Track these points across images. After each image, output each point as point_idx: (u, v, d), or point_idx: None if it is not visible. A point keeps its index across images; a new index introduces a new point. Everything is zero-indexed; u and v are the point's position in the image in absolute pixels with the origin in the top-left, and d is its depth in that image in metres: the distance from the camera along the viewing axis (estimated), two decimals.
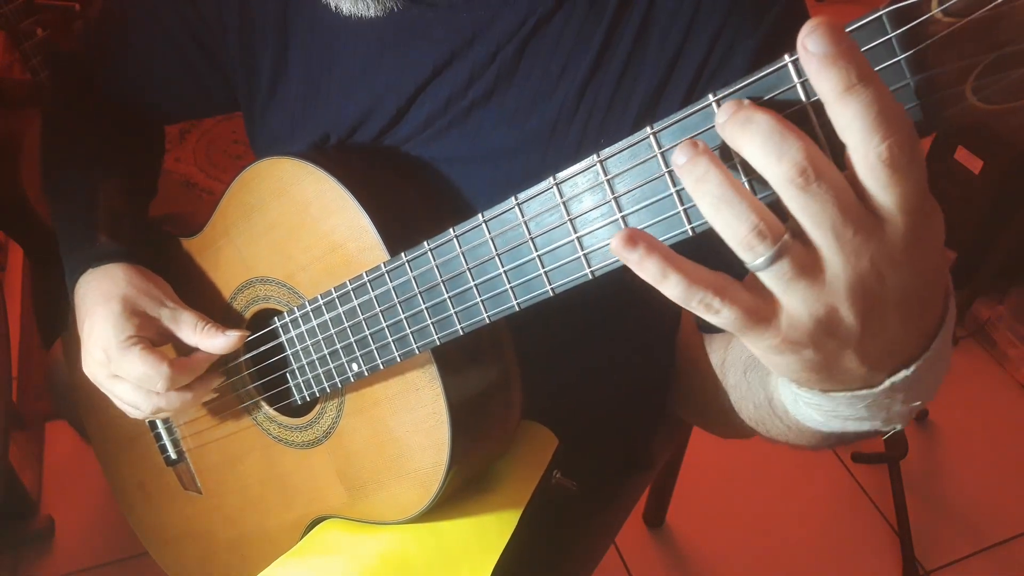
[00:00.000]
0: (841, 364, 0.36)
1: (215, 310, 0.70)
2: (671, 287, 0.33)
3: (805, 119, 0.32)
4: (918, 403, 0.39)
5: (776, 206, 0.32)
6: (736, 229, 0.32)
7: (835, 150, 0.32)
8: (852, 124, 0.30)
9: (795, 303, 0.33)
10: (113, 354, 0.62)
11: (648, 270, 0.33)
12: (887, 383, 0.37)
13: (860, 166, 0.30)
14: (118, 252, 0.66)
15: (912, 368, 0.37)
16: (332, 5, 0.57)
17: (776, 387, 0.47)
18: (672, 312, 0.81)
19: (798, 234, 0.32)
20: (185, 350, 0.65)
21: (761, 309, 0.34)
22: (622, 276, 0.40)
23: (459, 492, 0.65)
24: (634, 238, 0.33)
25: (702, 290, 0.33)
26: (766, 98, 0.33)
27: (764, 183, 0.32)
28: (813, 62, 0.29)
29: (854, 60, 0.29)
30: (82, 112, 0.77)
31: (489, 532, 0.64)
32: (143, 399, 0.63)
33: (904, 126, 0.30)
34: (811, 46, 0.29)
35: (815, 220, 0.31)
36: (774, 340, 0.34)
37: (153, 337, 0.64)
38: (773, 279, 0.33)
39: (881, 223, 0.32)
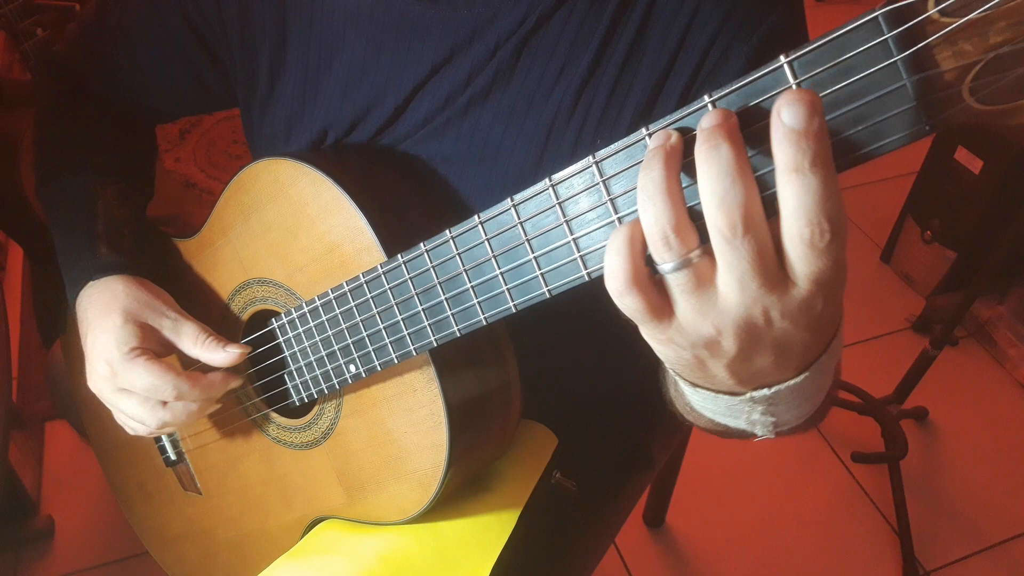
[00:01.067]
0: (709, 371, 0.40)
1: (213, 311, 0.69)
2: (607, 256, 0.36)
3: None
4: (775, 419, 0.43)
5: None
6: (651, 228, 0.34)
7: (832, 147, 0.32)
8: (789, 199, 0.31)
9: (686, 312, 0.36)
10: (118, 367, 0.61)
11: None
12: (747, 395, 0.41)
13: (785, 235, 0.32)
14: (118, 264, 0.66)
15: (771, 391, 0.41)
16: None
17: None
18: None
19: (710, 255, 0.34)
20: (189, 362, 0.65)
21: (659, 307, 0.36)
22: None
23: (458, 492, 0.65)
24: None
25: (618, 278, 0.35)
26: (761, 99, 0.33)
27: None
28: (779, 131, 0.31)
29: (817, 144, 0.30)
30: (76, 116, 0.76)
31: (488, 532, 0.64)
32: (149, 412, 0.62)
33: (833, 215, 0.31)
34: (785, 118, 0.30)
35: (727, 264, 0.34)
36: (661, 336, 0.37)
37: (156, 348, 0.63)
38: (672, 283, 0.35)
39: (787, 283, 0.34)
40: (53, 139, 0.76)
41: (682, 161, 0.34)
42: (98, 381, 0.64)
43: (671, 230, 0.34)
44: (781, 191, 0.32)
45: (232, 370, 0.65)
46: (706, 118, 0.33)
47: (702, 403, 0.45)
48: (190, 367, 0.67)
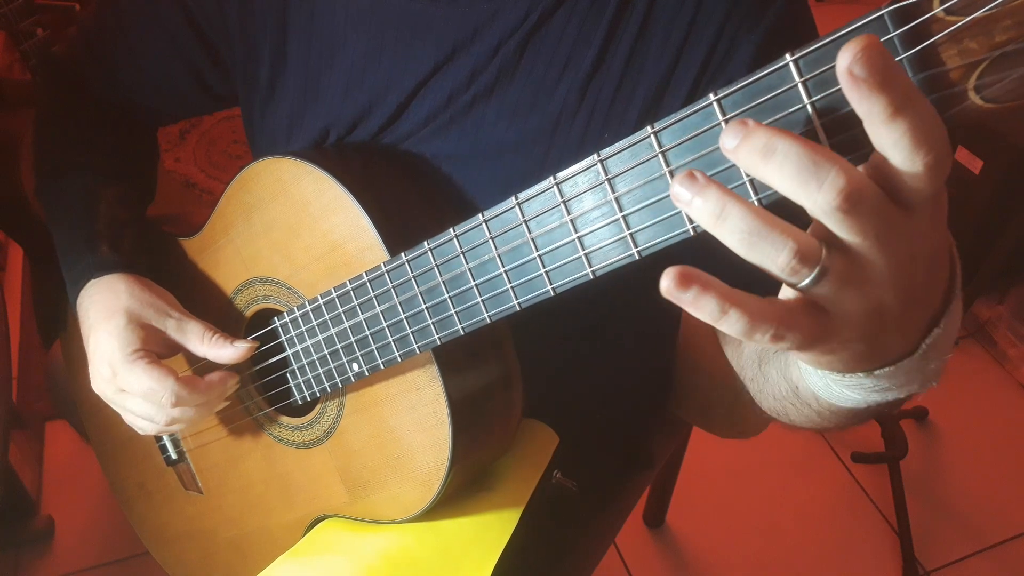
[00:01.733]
0: (886, 346, 0.37)
1: (215, 310, 0.69)
2: (730, 324, 0.32)
3: (807, 119, 0.32)
4: (948, 354, 0.40)
5: (781, 203, 0.32)
6: (775, 259, 0.31)
7: (839, 144, 0.32)
8: (899, 143, 0.29)
9: (846, 307, 0.33)
10: (118, 368, 0.61)
11: (704, 309, 0.31)
12: (923, 346, 0.38)
13: (904, 174, 0.30)
14: (119, 263, 0.65)
15: (941, 325, 0.38)
16: None
17: (801, 376, 0.46)
18: (672, 312, 0.81)
19: (835, 244, 0.32)
20: (195, 360, 0.65)
21: (819, 326, 0.33)
22: (623, 276, 0.40)
23: (460, 491, 0.65)
24: (687, 278, 0.31)
25: (764, 323, 0.32)
26: (767, 97, 0.33)
27: (762, 184, 0.32)
28: (862, 88, 0.28)
29: (902, 81, 0.28)
30: (77, 117, 0.76)
31: (490, 531, 0.64)
32: (153, 412, 0.62)
33: (942, 135, 0.30)
34: (858, 71, 0.28)
35: (859, 234, 0.31)
36: (830, 346, 0.34)
37: (160, 350, 0.63)
38: (822, 293, 0.33)
39: (911, 213, 0.32)
40: (54, 140, 0.76)
41: (714, 176, 0.33)
42: (100, 382, 0.64)
43: (795, 244, 0.31)
44: (883, 141, 0.30)
45: (233, 369, 0.65)
46: (728, 136, 0.31)
47: (875, 385, 0.40)
48: (197, 365, 0.67)
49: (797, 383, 0.48)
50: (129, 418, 0.65)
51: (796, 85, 0.32)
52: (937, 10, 0.29)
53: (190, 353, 0.64)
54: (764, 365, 0.54)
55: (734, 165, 0.34)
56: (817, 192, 0.30)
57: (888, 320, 0.35)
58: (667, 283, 0.31)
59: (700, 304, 0.31)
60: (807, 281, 0.32)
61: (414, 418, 0.59)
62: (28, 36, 1.29)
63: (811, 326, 0.33)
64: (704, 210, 0.31)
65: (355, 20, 0.60)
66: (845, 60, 0.28)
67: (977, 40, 0.29)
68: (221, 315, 0.69)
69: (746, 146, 0.30)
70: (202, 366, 0.67)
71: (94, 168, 0.73)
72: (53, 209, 0.72)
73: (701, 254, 0.35)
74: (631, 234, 0.38)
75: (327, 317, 0.57)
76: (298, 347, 0.61)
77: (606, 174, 0.38)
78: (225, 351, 0.61)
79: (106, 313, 0.62)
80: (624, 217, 0.38)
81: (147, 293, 0.64)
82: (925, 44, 0.30)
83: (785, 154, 0.30)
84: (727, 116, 0.34)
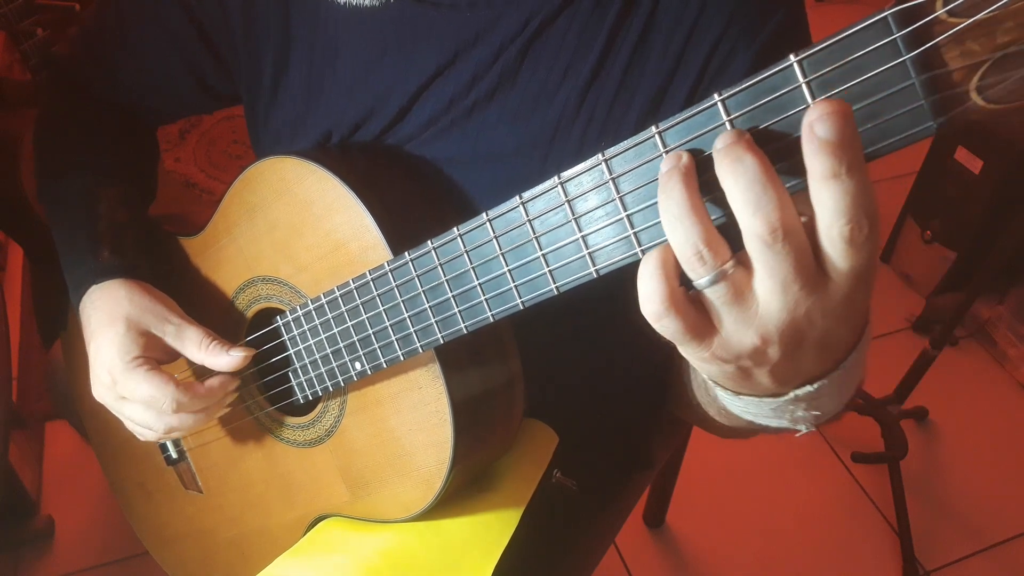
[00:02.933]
0: (754, 379, 0.40)
1: (216, 309, 0.70)
2: (640, 281, 0.36)
3: None
4: (819, 412, 0.43)
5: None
6: (683, 248, 0.34)
7: None
8: (827, 203, 0.32)
9: (729, 324, 0.36)
10: (118, 376, 0.61)
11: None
12: (791, 395, 0.42)
13: (824, 236, 0.33)
14: (120, 268, 0.65)
15: (815, 386, 0.41)
16: None
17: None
18: None
19: (744, 264, 0.35)
20: (195, 366, 0.65)
21: (700, 326, 0.36)
22: (625, 275, 0.40)
23: (461, 490, 0.65)
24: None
25: (659, 293, 0.35)
26: (771, 98, 0.33)
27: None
28: (814, 144, 0.31)
29: (853, 151, 0.31)
30: (77, 118, 0.76)
31: (491, 530, 0.64)
32: (154, 418, 0.62)
33: (870, 211, 0.32)
34: (819, 131, 0.31)
35: (769, 270, 0.34)
36: (704, 353, 0.37)
37: (160, 356, 0.63)
38: (711, 297, 0.36)
39: (827, 281, 0.34)
40: (54, 141, 0.76)
41: (698, 179, 0.35)
42: (101, 389, 0.64)
43: (703, 244, 0.34)
44: (817, 196, 0.32)
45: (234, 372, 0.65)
46: (720, 139, 0.33)
47: (744, 408, 0.45)
48: (196, 370, 0.67)
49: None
50: (130, 425, 0.66)
51: (800, 86, 0.32)
52: (940, 12, 0.29)
53: (189, 359, 0.64)
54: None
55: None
56: (752, 215, 0.32)
57: (763, 363, 0.38)
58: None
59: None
60: (703, 280, 0.35)
61: (416, 417, 0.59)
62: (28, 36, 1.29)
63: (690, 322, 0.36)
64: (662, 185, 0.35)
65: (357, 23, 0.61)
66: (812, 115, 0.31)
67: (979, 42, 0.29)
68: (223, 314, 0.69)
69: (726, 151, 0.33)
70: (202, 371, 0.67)
71: (95, 169, 0.73)
72: (54, 210, 0.72)
73: None
74: (635, 233, 0.38)
75: (330, 316, 0.57)
76: (300, 346, 0.62)
77: (610, 173, 0.38)
78: (221, 359, 0.62)
79: (107, 320, 0.63)
80: (628, 216, 0.38)
81: (147, 299, 0.64)
82: (928, 45, 0.30)
83: (744, 167, 0.32)
84: (731, 116, 0.34)
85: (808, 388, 0.41)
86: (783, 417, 0.44)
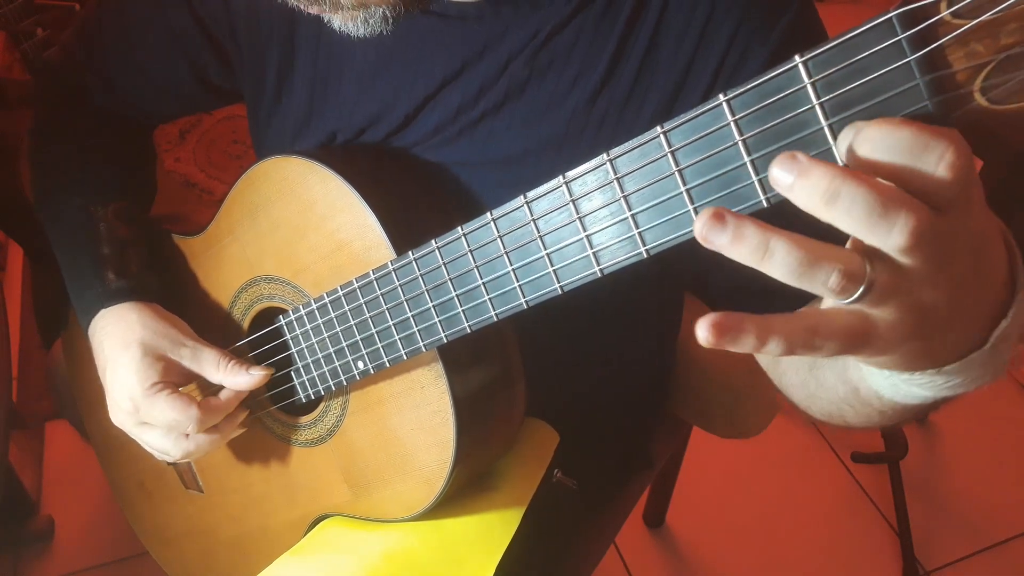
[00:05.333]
0: (946, 341, 0.36)
1: (218, 309, 0.70)
2: (773, 348, 0.32)
3: (814, 120, 0.33)
4: (1017, 345, 0.39)
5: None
6: (825, 283, 0.31)
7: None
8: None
9: (887, 312, 0.33)
10: (140, 403, 0.61)
11: (744, 344, 0.31)
12: (992, 338, 0.37)
13: (932, 179, 0.30)
14: (128, 290, 0.65)
15: (1009, 316, 0.37)
16: (326, 19, 0.56)
17: (863, 377, 0.45)
18: (674, 312, 0.81)
19: (877, 257, 0.32)
20: (209, 386, 0.65)
21: (858, 328, 0.33)
22: (628, 275, 0.40)
23: (463, 489, 0.65)
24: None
25: (800, 337, 0.32)
26: (776, 98, 0.33)
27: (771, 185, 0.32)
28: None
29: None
30: (74, 130, 0.75)
31: (492, 530, 0.64)
32: (172, 444, 0.63)
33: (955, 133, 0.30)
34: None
35: (913, 257, 0.31)
36: (876, 347, 0.34)
37: (177, 380, 0.63)
38: (866, 306, 0.33)
39: (945, 214, 0.31)
40: (51, 156, 0.75)
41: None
42: (121, 415, 0.64)
43: (843, 267, 0.31)
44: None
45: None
46: (783, 174, 0.31)
47: (945, 383, 0.40)
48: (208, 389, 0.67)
49: (858, 384, 0.47)
50: (149, 450, 0.66)
51: (805, 86, 0.32)
52: (945, 13, 0.29)
53: (205, 380, 0.64)
54: (817, 370, 0.53)
55: (743, 165, 0.34)
56: (887, 236, 0.30)
57: (938, 317, 0.34)
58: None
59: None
60: (854, 297, 0.31)
61: (418, 417, 0.59)
62: (28, 36, 1.28)
63: (847, 332, 0.33)
64: (745, 251, 0.31)
65: None
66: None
67: (983, 43, 0.29)
68: (224, 314, 0.69)
69: (804, 185, 0.30)
70: (208, 389, 0.67)
71: (93, 186, 0.72)
72: (53, 229, 0.71)
73: (706, 253, 0.35)
74: (639, 233, 0.38)
75: (332, 315, 0.57)
76: (303, 345, 0.62)
77: (615, 173, 0.38)
78: (240, 378, 0.62)
79: (121, 345, 0.63)
80: (633, 216, 0.38)
81: (160, 322, 0.64)
82: (933, 46, 0.30)
83: (852, 199, 0.29)
84: (736, 117, 0.34)
85: (1004, 323, 0.37)
86: (989, 371, 0.39)
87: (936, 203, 0.31)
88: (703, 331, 0.31)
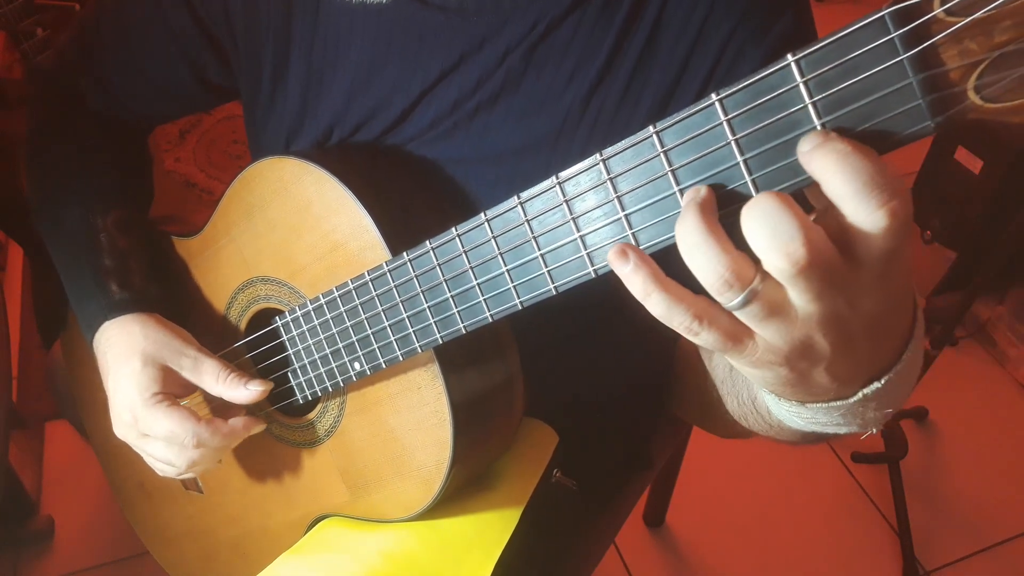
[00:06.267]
0: (814, 381, 0.38)
1: (215, 310, 0.70)
2: (654, 304, 0.35)
3: (808, 118, 0.32)
4: (889, 409, 0.42)
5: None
6: (706, 275, 0.34)
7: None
8: (840, 193, 0.31)
9: (769, 333, 0.35)
10: (139, 413, 0.61)
11: (634, 284, 0.35)
12: (859, 395, 0.40)
13: (860, 228, 0.32)
14: (131, 301, 0.65)
15: (883, 381, 0.39)
16: None
17: (759, 389, 0.47)
18: None
19: (768, 275, 0.33)
20: (212, 398, 0.65)
21: (738, 333, 0.35)
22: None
23: (461, 489, 0.65)
24: (625, 251, 0.35)
25: (683, 312, 0.35)
26: (769, 98, 0.33)
27: (764, 181, 0.33)
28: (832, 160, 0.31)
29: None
30: (71, 137, 0.75)
31: (491, 530, 0.64)
32: (175, 455, 0.62)
33: (892, 182, 0.31)
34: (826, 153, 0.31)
35: (799, 291, 0.33)
36: (751, 358, 0.36)
37: (177, 391, 0.63)
38: (746, 317, 0.35)
39: (859, 267, 0.33)
40: (48, 161, 0.74)
41: (717, 212, 0.34)
42: (123, 428, 0.64)
43: (727, 271, 0.33)
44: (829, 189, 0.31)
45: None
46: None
47: (811, 419, 0.43)
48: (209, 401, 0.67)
49: (755, 394, 0.50)
50: (150, 461, 0.66)
51: (797, 85, 0.32)
52: (938, 11, 0.29)
53: (206, 391, 0.64)
54: (733, 371, 0.55)
55: (736, 164, 0.34)
56: (778, 258, 0.32)
57: (815, 359, 0.36)
58: (611, 254, 0.36)
59: (632, 279, 0.35)
60: (734, 302, 0.34)
61: (415, 417, 0.59)
62: (28, 36, 1.28)
63: (728, 329, 0.35)
64: (681, 218, 0.34)
65: (361, 24, 0.60)
66: (821, 147, 0.31)
67: (977, 40, 0.29)
68: (221, 315, 0.69)
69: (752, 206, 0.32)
70: (211, 400, 0.67)
71: (91, 194, 0.71)
72: (52, 241, 0.71)
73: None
74: (633, 233, 0.38)
75: (328, 316, 0.57)
76: (299, 346, 0.62)
77: (608, 173, 0.38)
78: (240, 392, 0.61)
79: (123, 356, 0.62)
80: (626, 216, 0.38)
81: (163, 333, 0.64)
82: (926, 44, 0.30)
83: (762, 210, 0.32)
84: (729, 116, 0.34)
85: (876, 385, 0.39)
86: (853, 422, 0.42)
87: (858, 251, 0.32)
88: (611, 251, 0.36)
